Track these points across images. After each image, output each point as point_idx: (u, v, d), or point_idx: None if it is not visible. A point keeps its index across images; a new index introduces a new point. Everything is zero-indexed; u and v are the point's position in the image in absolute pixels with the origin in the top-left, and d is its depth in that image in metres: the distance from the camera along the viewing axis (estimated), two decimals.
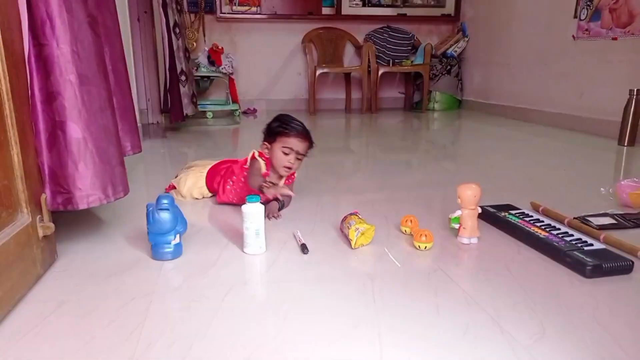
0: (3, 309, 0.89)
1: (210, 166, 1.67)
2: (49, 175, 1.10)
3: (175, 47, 3.29)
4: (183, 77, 3.39)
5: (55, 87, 1.07)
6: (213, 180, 1.63)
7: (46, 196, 1.10)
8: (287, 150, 1.47)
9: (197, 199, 1.66)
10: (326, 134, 3.60)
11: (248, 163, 1.52)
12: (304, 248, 1.21)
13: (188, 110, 3.42)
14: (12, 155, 0.97)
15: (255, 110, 4.58)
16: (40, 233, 1.05)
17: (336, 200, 1.73)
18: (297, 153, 1.48)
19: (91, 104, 1.13)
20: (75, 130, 1.10)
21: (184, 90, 3.37)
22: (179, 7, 3.46)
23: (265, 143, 1.51)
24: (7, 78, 0.93)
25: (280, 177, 1.54)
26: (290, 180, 1.58)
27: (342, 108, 4.84)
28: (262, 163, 1.50)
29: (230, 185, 1.57)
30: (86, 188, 1.12)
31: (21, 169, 0.98)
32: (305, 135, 1.49)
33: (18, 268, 0.95)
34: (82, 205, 1.12)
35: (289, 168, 1.49)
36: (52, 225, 1.08)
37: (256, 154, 1.51)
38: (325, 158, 2.63)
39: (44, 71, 1.06)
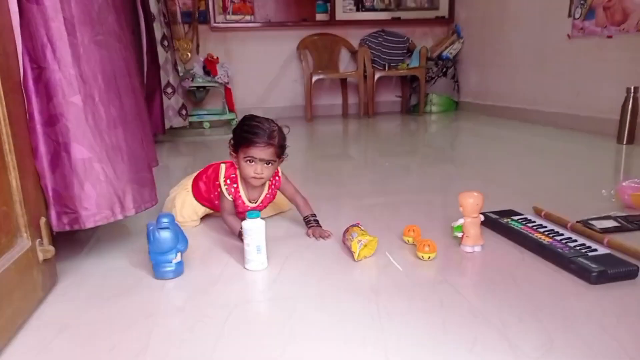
0: (4, 337, 0.88)
1: (193, 178, 1.57)
2: (53, 197, 1.10)
3: (162, 60, 3.30)
4: (169, 90, 3.40)
5: (58, 110, 1.07)
6: (201, 191, 1.53)
7: (50, 218, 1.09)
8: (250, 159, 1.33)
9: (194, 220, 1.54)
10: (324, 140, 3.60)
11: (219, 180, 1.42)
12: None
13: (173, 122, 3.43)
14: (11, 180, 0.96)
15: None
16: (40, 257, 1.04)
17: (336, 208, 1.72)
18: (262, 160, 1.33)
19: (97, 123, 1.13)
20: (80, 151, 1.10)
21: (168, 102, 3.38)
22: (166, 20, 3.47)
23: (232, 153, 1.39)
24: (4, 104, 0.93)
25: (261, 187, 1.43)
26: (275, 189, 1.47)
27: (339, 113, 4.84)
28: (229, 199, 1.41)
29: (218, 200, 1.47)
30: (92, 207, 1.13)
31: (20, 194, 0.98)
32: (266, 141, 1.31)
33: (19, 294, 0.94)
34: (89, 224, 1.13)
35: (259, 178, 1.35)
36: (52, 248, 1.07)
37: (222, 173, 1.41)
38: (323, 164, 2.62)
39: (45, 94, 1.06)
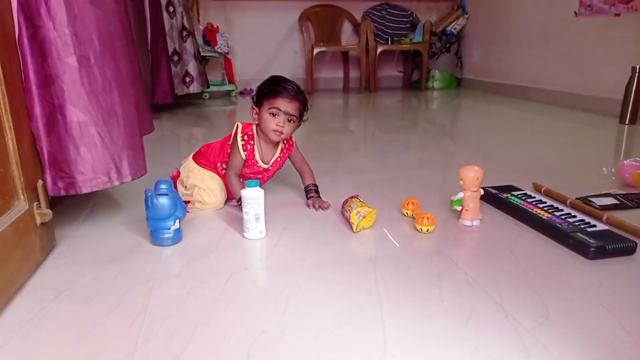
0: (3, 298, 0.88)
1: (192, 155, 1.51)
2: (48, 160, 1.08)
3: (167, 27, 3.23)
4: (175, 57, 3.34)
5: (53, 70, 1.04)
6: (204, 153, 1.47)
7: (45, 182, 1.08)
8: (274, 111, 1.33)
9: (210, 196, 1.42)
10: (324, 113, 3.57)
11: (231, 138, 1.40)
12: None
13: (178, 90, 3.38)
14: (7, 142, 0.94)
15: (251, 91, 4.50)
16: (38, 220, 1.03)
17: (335, 182, 1.71)
18: (286, 114, 1.33)
19: (93, 86, 1.10)
20: (75, 113, 1.08)
21: (175, 70, 3.32)
22: None
23: (254, 108, 1.39)
24: None
25: (275, 144, 1.43)
26: (289, 150, 1.46)
27: (340, 87, 4.79)
28: (242, 156, 1.37)
29: (223, 169, 1.43)
30: (88, 172, 1.11)
31: (16, 155, 0.96)
32: (294, 94, 1.33)
33: (17, 256, 0.94)
34: (85, 189, 1.11)
35: (279, 132, 1.34)
36: (49, 212, 1.06)
37: (239, 129, 1.38)
38: (323, 138, 2.61)
39: (40, 54, 1.03)
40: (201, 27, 4.02)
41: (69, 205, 1.40)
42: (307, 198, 1.44)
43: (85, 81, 1.09)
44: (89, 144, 1.11)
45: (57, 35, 1.04)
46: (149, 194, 1.13)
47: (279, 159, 1.46)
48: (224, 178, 1.43)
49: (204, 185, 1.41)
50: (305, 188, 1.47)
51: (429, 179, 1.77)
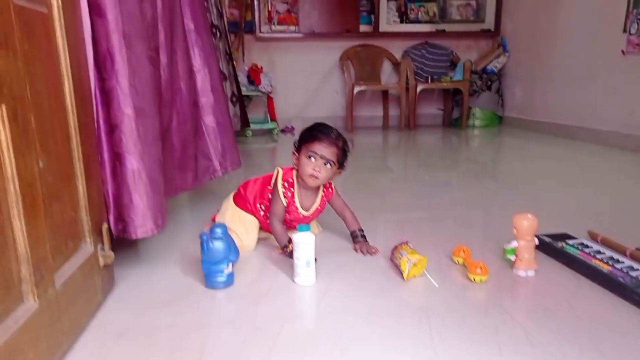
0: (69, 339, 0.91)
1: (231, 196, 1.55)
2: (113, 202, 1.14)
3: (226, 72, 3.39)
4: (234, 99, 3.51)
5: (114, 120, 1.12)
6: (244, 194, 1.50)
7: (109, 223, 1.14)
8: (311, 155, 1.34)
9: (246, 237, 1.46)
10: (364, 151, 3.59)
11: (272, 183, 1.43)
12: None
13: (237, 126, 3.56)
14: (78, 187, 1.00)
15: (293, 128, 4.62)
16: (102, 262, 1.08)
17: (378, 222, 1.71)
18: (323, 158, 1.34)
19: (146, 136, 1.17)
20: (130, 161, 1.14)
21: (233, 110, 3.50)
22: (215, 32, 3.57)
23: (295, 153, 1.42)
24: (76, 113, 0.97)
25: (315, 191, 1.44)
26: (328, 196, 1.47)
27: (379, 125, 4.82)
28: (283, 203, 1.39)
29: (263, 211, 1.46)
30: (139, 219, 1.16)
31: (86, 200, 1.02)
32: (332, 139, 1.35)
33: (82, 298, 0.98)
34: (135, 236, 1.16)
35: (315, 177, 1.35)
36: (112, 254, 1.11)
37: (279, 176, 1.41)
38: (364, 176, 2.62)
39: (106, 104, 1.11)
40: (246, 68, 4.18)
41: (127, 243, 1.45)
42: (355, 243, 1.44)
43: (140, 130, 1.16)
44: (140, 192, 1.16)
45: (118, 87, 1.12)
46: (205, 237, 1.16)
47: (319, 207, 1.47)
48: (262, 220, 1.46)
49: (232, 226, 1.42)
50: (352, 234, 1.47)
51: (474, 220, 1.75)
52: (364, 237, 1.44)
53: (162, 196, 1.24)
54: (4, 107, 0.70)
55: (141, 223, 1.17)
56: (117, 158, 1.14)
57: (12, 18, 0.72)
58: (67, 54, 0.92)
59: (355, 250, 1.41)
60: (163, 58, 1.36)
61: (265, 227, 1.49)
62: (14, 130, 0.73)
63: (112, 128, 1.13)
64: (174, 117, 1.50)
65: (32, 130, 0.79)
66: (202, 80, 1.66)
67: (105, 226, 1.10)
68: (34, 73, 0.80)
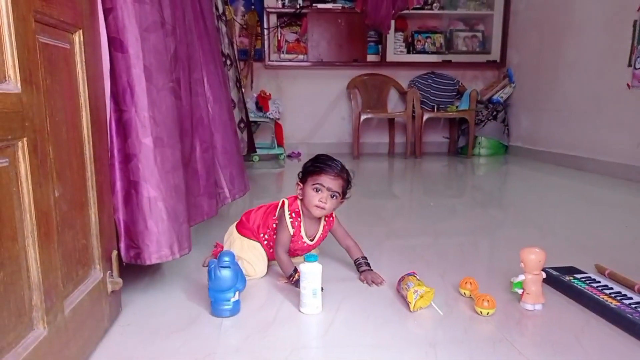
0: None
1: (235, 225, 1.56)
2: (124, 230, 1.16)
3: (236, 99, 3.44)
4: (242, 125, 3.56)
5: (131, 150, 1.14)
6: (246, 223, 1.51)
7: (119, 250, 1.15)
8: (318, 187, 1.38)
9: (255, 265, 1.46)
10: (370, 178, 3.61)
11: (277, 214, 1.45)
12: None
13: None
14: (90, 215, 1.02)
15: (299, 154, 4.66)
16: (110, 288, 1.09)
17: (383, 249, 1.71)
18: (329, 190, 1.38)
19: (163, 164, 1.19)
20: (146, 189, 1.16)
21: (241, 136, 3.54)
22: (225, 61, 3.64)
23: (299, 184, 1.44)
24: (92, 143, 1.00)
25: (318, 220, 1.47)
26: (330, 225, 1.49)
27: (385, 152, 4.85)
28: (290, 232, 1.41)
29: (266, 240, 1.49)
30: (154, 245, 1.17)
31: (97, 227, 1.03)
32: (337, 172, 1.39)
33: (90, 324, 0.99)
34: (149, 262, 1.17)
35: (322, 208, 1.38)
36: (120, 280, 1.12)
37: (286, 206, 1.43)
38: (369, 202, 2.62)
39: (123, 135, 1.14)
40: (254, 94, 4.25)
41: (134, 270, 1.46)
42: (360, 272, 1.44)
43: (158, 159, 1.18)
44: (156, 219, 1.18)
45: (137, 118, 1.15)
46: (212, 265, 1.17)
47: (322, 236, 1.49)
48: (265, 249, 1.48)
49: (244, 255, 1.44)
50: (355, 262, 1.47)
51: (480, 250, 1.75)
52: (368, 264, 1.45)
53: (181, 223, 1.25)
54: (25, 141, 0.72)
55: (156, 249, 1.18)
56: (133, 186, 1.16)
57: (38, 55, 0.75)
58: (86, 87, 0.96)
59: (361, 280, 1.42)
60: (184, 89, 1.39)
61: (268, 255, 1.50)
62: (33, 162, 0.75)
63: (129, 157, 1.16)
64: (196, 145, 1.54)
65: (50, 161, 0.81)
66: (215, 110, 1.70)
67: (114, 253, 1.12)
68: (54, 106, 0.83)
